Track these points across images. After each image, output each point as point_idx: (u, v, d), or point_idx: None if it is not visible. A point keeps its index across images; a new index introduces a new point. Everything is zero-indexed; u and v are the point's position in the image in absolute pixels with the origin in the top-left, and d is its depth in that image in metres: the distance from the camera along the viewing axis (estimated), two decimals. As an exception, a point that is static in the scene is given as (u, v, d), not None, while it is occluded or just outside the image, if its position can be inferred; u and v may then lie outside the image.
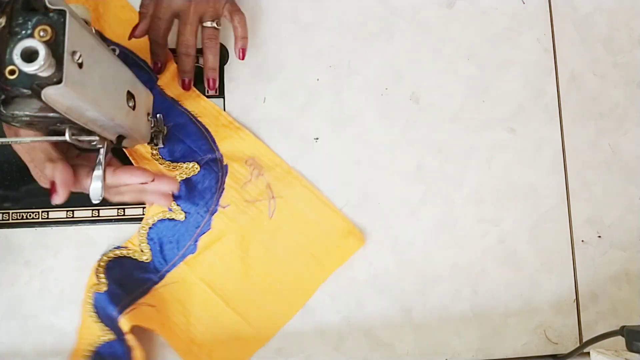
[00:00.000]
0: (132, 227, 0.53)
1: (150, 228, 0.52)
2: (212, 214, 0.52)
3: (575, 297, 0.55)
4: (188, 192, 0.52)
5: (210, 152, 0.53)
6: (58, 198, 0.40)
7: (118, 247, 0.52)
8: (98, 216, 0.53)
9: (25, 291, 0.52)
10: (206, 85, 0.54)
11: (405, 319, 0.54)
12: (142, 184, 0.44)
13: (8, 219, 0.53)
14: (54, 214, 0.53)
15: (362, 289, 0.54)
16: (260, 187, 0.54)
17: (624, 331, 0.43)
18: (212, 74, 0.53)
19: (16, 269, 0.52)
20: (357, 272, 0.54)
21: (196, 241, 0.52)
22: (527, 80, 0.58)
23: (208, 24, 0.52)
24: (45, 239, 0.53)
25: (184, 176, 0.52)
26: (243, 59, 0.55)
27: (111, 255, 0.52)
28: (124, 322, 0.48)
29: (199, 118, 0.54)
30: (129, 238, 0.53)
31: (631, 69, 0.59)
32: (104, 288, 0.50)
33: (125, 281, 0.51)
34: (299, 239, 0.53)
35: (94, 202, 0.43)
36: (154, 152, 0.53)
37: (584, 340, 0.53)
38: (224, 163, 0.53)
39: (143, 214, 0.53)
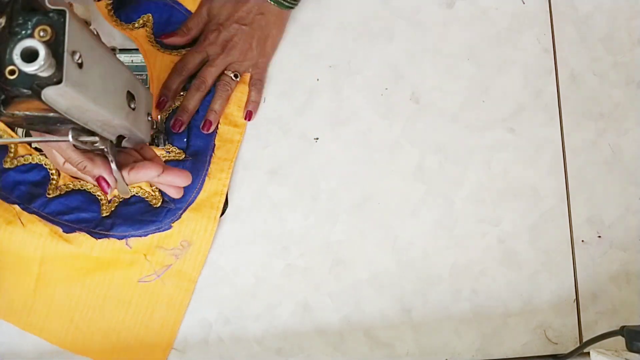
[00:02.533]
0: None
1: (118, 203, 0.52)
2: (124, 237, 0.51)
3: (575, 297, 0.55)
4: (137, 207, 0.52)
5: (178, 206, 0.52)
6: (111, 188, 0.42)
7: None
8: (98, 216, 0.53)
9: (25, 291, 0.52)
10: (202, 123, 0.54)
11: (405, 319, 0.54)
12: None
13: (8, 219, 0.53)
14: (54, 214, 0.53)
15: (362, 289, 0.54)
16: (163, 261, 0.52)
17: (624, 331, 0.43)
18: (212, 115, 0.54)
19: (16, 269, 0.52)
20: (357, 272, 0.54)
21: (82, 230, 0.51)
22: (527, 80, 0.58)
23: (229, 73, 0.54)
24: (45, 239, 0.53)
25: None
26: (249, 120, 0.56)
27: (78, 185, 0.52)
28: None
29: (207, 178, 0.53)
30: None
31: (631, 69, 0.59)
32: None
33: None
34: (130, 318, 0.51)
35: (127, 197, 0.45)
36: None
37: (584, 340, 0.53)
38: (172, 225, 0.52)
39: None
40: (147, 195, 0.52)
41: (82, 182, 0.52)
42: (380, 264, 0.54)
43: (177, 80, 0.53)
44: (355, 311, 0.54)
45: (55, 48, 0.30)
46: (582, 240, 0.56)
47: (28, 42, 0.29)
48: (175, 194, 0.46)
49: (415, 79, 0.58)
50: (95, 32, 0.36)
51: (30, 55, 0.29)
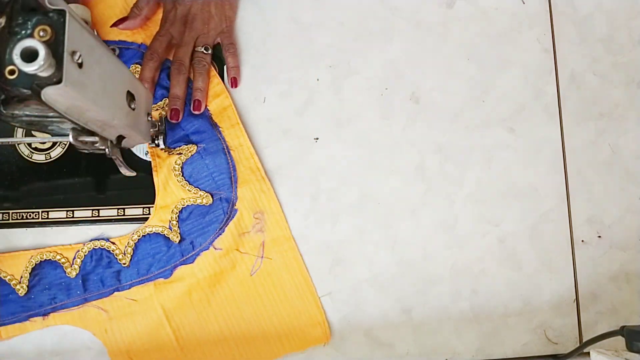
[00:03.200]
0: (132, 227, 0.53)
1: (143, 236, 0.52)
2: (203, 250, 0.52)
3: (575, 297, 0.55)
4: (193, 219, 0.52)
5: (228, 190, 0.53)
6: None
7: (107, 240, 0.52)
8: (98, 216, 0.53)
9: (25, 291, 0.52)
10: (191, 106, 0.54)
11: (405, 319, 0.54)
12: None
13: (8, 219, 0.53)
14: (54, 214, 0.53)
15: (362, 289, 0.54)
16: (255, 243, 0.53)
17: (624, 331, 0.43)
18: (199, 94, 0.54)
19: (16, 269, 0.52)
20: (357, 272, 0.54)
21: (174, 269, 0.52)
22: (527, 80, 0.58)
23: (199, 48, 0.54)
24: (45, 239, 0.53)
25: (195, 202, 0.52)
26: (235, 87, 0.56)
27: (97, 244, 0.52)
28: (58, 319, 0.50)
29: (231, 152, 0.54)
30: (120, 235, 0.52)
31: (631, 69, 0.59)
32: (73, 274, 0.51)
33: (93, 277, 0.51)
34: (269, 307, 0.52)
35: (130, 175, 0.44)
36: (176, 166, 0.52)
37: (584, 340, 0.53)
38: (235, 207, 0.53)
39: (143, 214, 0.53)
40: (196, 199, 0.52)
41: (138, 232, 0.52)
42: (380, 264, 0.54)
43: (151, 68, 0.53)
44: (355, 311, 0.54)
45: (55, 48, 0.30)
46: (582, 240, 0.56)
47: (28, 42, 0.29)
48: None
49: (415, 79, 0.58)
50: (95, 32, 0.36)
51: (30, 55, 0.29)
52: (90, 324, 0.51)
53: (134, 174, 0.44)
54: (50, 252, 0.51)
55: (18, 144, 0.53)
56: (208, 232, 0.52)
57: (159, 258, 0.52)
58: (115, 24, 0.54)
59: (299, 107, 0.57)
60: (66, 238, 0.53)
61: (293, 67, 0.57)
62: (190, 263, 0.52)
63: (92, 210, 0.53)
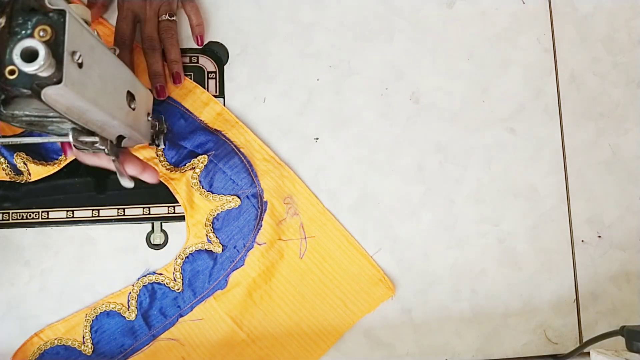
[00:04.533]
0: (132, 227, 0.53)
1: (187, 257, 0.52)
2: (248, 250, 0.52)
3: (575, 297, 0.55)
4: (227, 224, 0.52)
5: (252, 186, 0.53)
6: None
7: (154, 273, 0.52)
8: (98, 216, 0.53)
9: (25, 291, 0.52)
10: (172, 80, 0.53)
11: (405, 319, 0.54)
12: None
13: (8, 219, 0.53)
14: (54, 214, 0.53)
15: (362, 289, 0.54)
16: (294, 227, 0.53)
17: (624, 331, 0.43)
18: (175, 66, 0.53)
19: (16, 269, 0.52)
20: (357, 272, 0.54)
21: (228, 276, 0.52)
22: (527, 80, 0.58)
23: (162, 17, 0.53)
24: (45, 239, 0.53)
25: (225, 208, 0.52)
26: (201, 45, 0.55)
27: (146, 280, 0.52)
28: None
29: (241, 149, 0.54)
30: (164, 264, 0.52)
31: (631, 69, 0.59)
32: (133, 316, 0.51)
33: (153, 313, 0.51)
34: (328, 281, 0.53)
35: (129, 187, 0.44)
36: (194, 180, 0.52)
37: (584, 340, 0.53)
38: (264, 199, 0.53)
39: (143, 214, 0.53)
40: (224, 205, 0.52)
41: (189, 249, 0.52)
42: (380, 264, 0.54)
43: (126, 53, 0.53)
44: (355, 311, 0.54)
45: (55, 48, 0.30)
46: (582, 240, 0.56)
47: (28, 42, 0.29)
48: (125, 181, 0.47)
49: (415, 79, 0.58)
50: (95, 32, 0.36)
51: (30, 55, 0.29)
52: (166, 357, 0.51)
53: (132, 185, 0.43)
54: (103, 303, 0.51)
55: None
56: (247, 231, 0.52)
57: (209, 273, 0.52)
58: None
59: (299, 107, 0.57)
60: (66, 238, 0.53)
61: (293, 67, 0.57)
62: (241, 266, 0.52)
63: (92, 210, 0.53)
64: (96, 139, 0.39)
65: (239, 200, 0.52)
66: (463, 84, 0.58)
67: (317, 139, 0.56)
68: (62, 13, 0.31)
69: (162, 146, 0.52)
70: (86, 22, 0.35)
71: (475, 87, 0.58)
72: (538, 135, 0.58)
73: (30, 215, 0.53)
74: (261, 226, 0.52)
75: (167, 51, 0.53)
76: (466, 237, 0.55)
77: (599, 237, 0.56)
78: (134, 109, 0.42)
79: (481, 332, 0.54)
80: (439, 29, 0.59)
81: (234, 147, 0.53)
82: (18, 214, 0.53)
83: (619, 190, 0.57)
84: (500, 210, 0.56)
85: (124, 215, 0.53)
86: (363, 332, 0.53)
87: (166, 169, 0.53)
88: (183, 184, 0.52)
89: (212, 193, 0.52)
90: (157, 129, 0.51)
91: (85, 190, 0.54)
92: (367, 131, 0.57)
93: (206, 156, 0.52)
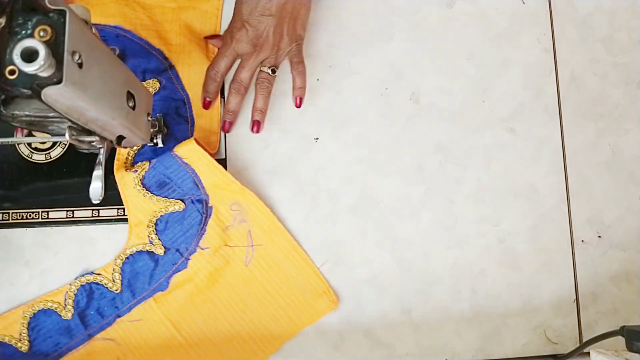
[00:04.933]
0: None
1: (127, 258, 0.52)
2: (191, 253, 0.52)
3: (575, 297, 0.55)
4: (171, 227, 0.52)
5: (197, 191, 0.52)
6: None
7: (92, 273, 0.52)
8: (98, 216, 0.53)
9: (25, 291, 0.52)
10: (251, 125, 0.55)
11: (405, 319, 0.54)
12: None
13: (8, 219, 0.53)
14: (54, 214, 0.53)
15: (362, 289, 0.54)
16: (242, 233, 0.53)
17: (624, 331, 0.43)
18: (259, 116, 0.54)
19: (16, 269, 0.52)
20: (357, 272, 0.54)
21: (169, 278, 0.51)
22: (527, 80, 0.58)
23: (265, 69, 0.53)
24: (45, 239, 0.53)
25: (168, 211, 0.52)
26: (299, 107, 0.56)
27: (84, 280, 0.51)
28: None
29: (185, 160, 0.52)
30: (103, 264, 0.52)
31: (631, 69, 0.59)
32: (69, 315, 0.50)
33: (89, 312, 0.51)
34: (272, 290, 0.52)
35: (94, 202, 0.43)
36: (136, 181, 0.52)
37: (584, 340, 0.53)
38: (209, 205, 0.52)
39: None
40: (167, 207, 0.52)
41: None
42: (380, 264, 0.54)
43: (213, 85, 0.54)
44: (355, 311, 0.54)
45: (55, 48, 0.30)
46: (582, 240, 0.56)
47: (28, 42, 0.29)
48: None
49: (415, 79, 0.58)
50: (95, 32, 0.36)
51: (30, 55, 0.29)
52: (101, 358, 0.50)
53: (98, 201, 0.43)
54: (40, 301, 0.51)
55: (18, 144, 0.53)
56: (190, 235, 0.52)
57: (150, 274, 0.51)
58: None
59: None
60: (66, 238, 0.53)
61: (293, 67, 0.57)
62: (183, 269, 0.52)
63: (92, 210, 0.53)
64: (95, 138, 0.39)
65: (183, 204, 0.52)
66: (463, 84, 0.58)
67: (317, 139, 0.56)
68: (62, 13, 0.31)
69: (160, 145, 0.52)
70: (86, 22, 0.35)
71: (475, 87, 0.58)
72: (538, 135, 0.58)
73: (30, 215, 0.53)
74: (205, 231, 0.52)
75: (257, 99, 0.54)
76: (466, 237, 0.55)
77: (599, 237, 0.56)
78: (134, 109, 0.42)
79: (481, 332, 0.54)
80: (439, 29, 0.59)
81: (175, 155, 0.52)
82: (18, 214, 0.53)
83: (619, 190, 0.57)
84: (500, 210, 0.56)
85: (124, 215, 0.53)
86: (363, 332, 0.53)
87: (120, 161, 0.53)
88: (128, 183, 0.52)
89: (156, 195, 0.52)
90: (156, 128, 0.51)
91: (85, 190, 0.53)
92: (367, 131, 0.57)
93: (148, 162, 0.52)
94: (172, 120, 0.54)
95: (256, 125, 0.54)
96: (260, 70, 0.54)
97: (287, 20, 0.52)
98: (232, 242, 0.52)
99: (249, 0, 0.51)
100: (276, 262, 0.53)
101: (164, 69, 0.55)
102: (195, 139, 0.51)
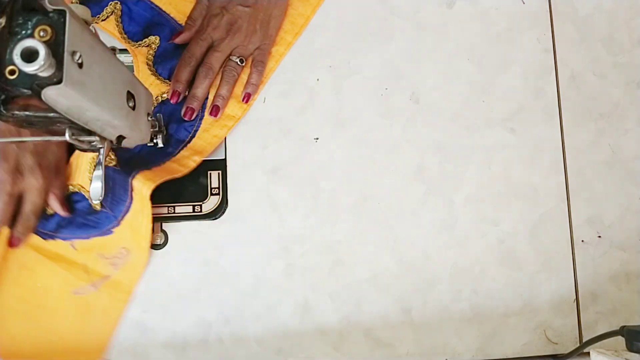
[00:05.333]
0: None
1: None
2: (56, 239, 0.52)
3: (575, 297, 0.55)
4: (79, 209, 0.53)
5: (118, 212, 0.52)
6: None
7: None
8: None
9: (25, 291, 0.52)
10: (209, 110, 0.54)
11: (405, 319, 0.54)
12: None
13: (8, 219, 0.53)
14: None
15: (362, 289, 0.54)
16: (101, 272, 0.52)
17: (624, 331, 0.43)
18: (220, 101, 0.54)
19: (16, 269, 0.52)
20: (357, 272, 0.54)
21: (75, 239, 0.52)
22: (527, 80, 0.58)
23: (234, 58, 0.54)
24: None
25: (86, 196, 0.52)
26: (246, 102, 0.55)
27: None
28: None
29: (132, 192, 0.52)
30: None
31: (631, 69, 0.59)
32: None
33: None
34: (61, 325, 0.51)
35: (94, 202, 0.43)
36: (90, 168, 0.52)
37: (584, 340, 0.53)
38: (112, 230, 0.52)
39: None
40: (88, 195, 0.52)
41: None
42: (380, 264, 0.54)
43: (186, 70, 0.54)
44: (355, 311, 0.54)
45: (55, 48, 0.30)
46: (582, 240, 0.56)
47: (28, 42, 0.29)
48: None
49: (415, 79, 0.58)
50: (95, 32, 0.36)
51: (30, 55, 0.29)
52: None
53: (99, 200, 0.43)
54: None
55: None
56: (81, 230, 0.52)
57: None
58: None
59: (299, 107, 0.57)
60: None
61: (293, 67, 0.57)
62: (44, 239, 0.52)
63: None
64: (95, 138, 0.39)
65: (99, 207, 0.52)
66: (463, 84, 0.58)
67: (317, 139, 0.56)
68: (62, 13, 0.31)
69: (160, 145, 0.52)
70: (86, 22, 0.35)
71: (475, 87, 0.58)
72: (538, 135, 0.58)
73: (30, 215, 0.53)
74: (109, 234, 0.52)
75: (221, 86, 0.54)
76: (466, 237, 0.55)
77: (599, 237, 0.56)
78: (134, 109, 0.42)
79: (481, 332, 0.54)
80: (439, 29, 0.59)
81: (130, 186, 0.51)
82: (18, 214, 0.53)
83: (619, 190, 0.57)
84: (500, 211, 0.56)
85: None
86: (363, 332, 0.53)
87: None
88: (83, 164, 0.53)
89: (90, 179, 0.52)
90: (156, 128, 0.51)
91: (85, 190, 0.54)
92: (367, 131, 0.57)
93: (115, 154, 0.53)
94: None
95: (215, 111, 0.54)
96: (230, 59, 0.54)
97: (262, 16, 0.54)
98: (90, 267, 0.52)
99: None
100: (92, 312, 0.51)
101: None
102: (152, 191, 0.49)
